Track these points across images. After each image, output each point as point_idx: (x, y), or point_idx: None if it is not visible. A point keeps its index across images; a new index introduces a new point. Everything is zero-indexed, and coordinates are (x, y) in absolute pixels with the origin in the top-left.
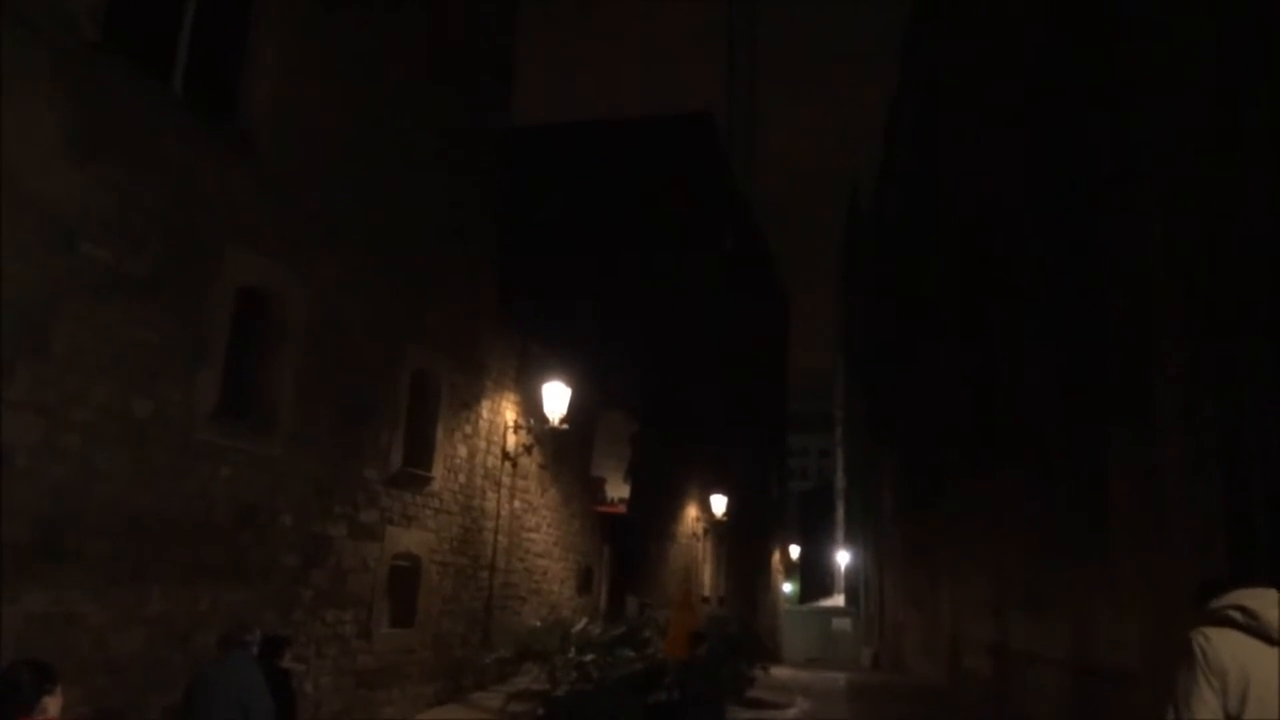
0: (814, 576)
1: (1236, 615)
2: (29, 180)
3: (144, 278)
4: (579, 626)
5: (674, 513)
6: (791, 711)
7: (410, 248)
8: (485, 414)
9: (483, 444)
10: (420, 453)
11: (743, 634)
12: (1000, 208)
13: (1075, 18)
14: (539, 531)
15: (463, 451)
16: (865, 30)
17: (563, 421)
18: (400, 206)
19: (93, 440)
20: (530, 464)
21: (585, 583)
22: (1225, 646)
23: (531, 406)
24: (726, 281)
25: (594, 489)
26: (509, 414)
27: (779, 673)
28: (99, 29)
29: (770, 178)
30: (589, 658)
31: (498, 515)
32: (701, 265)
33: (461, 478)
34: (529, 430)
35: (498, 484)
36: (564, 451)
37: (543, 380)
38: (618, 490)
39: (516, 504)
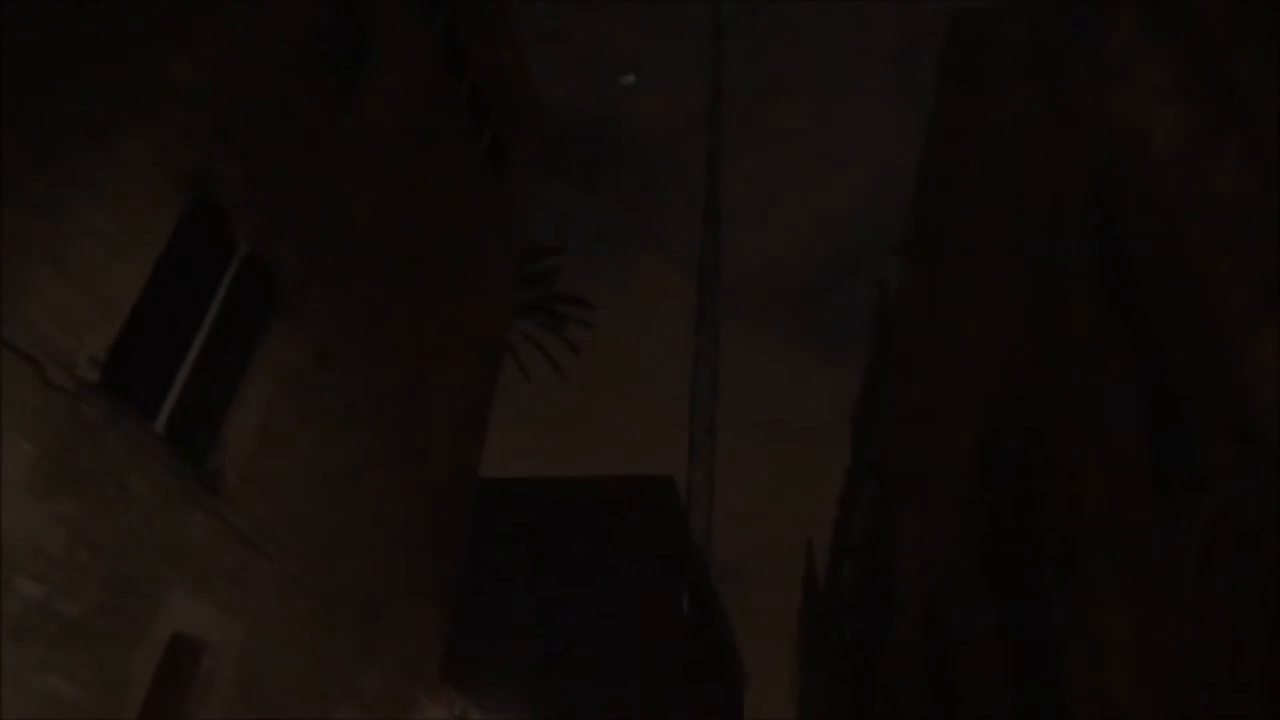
0: None
1: None
2: None
3: (73, 619)
4: None
5: None
6: None
7: (360, 604)
8: None
9: None
10: None
11: None
12: (957, 587)
13: (1022, 411)
14: None
15: None
16: (821, 401)
17: None
18: (356, 562)
19: None
20: None
21: None
22: None
23: None
24: (683, 647)
25: None
26: None
27: None
28: (99, 370)
29: (728, 543)
30: None
31: None
32: (657, 628)
33: None
34: None
35: None
36: None
37: None
38: None
39: None
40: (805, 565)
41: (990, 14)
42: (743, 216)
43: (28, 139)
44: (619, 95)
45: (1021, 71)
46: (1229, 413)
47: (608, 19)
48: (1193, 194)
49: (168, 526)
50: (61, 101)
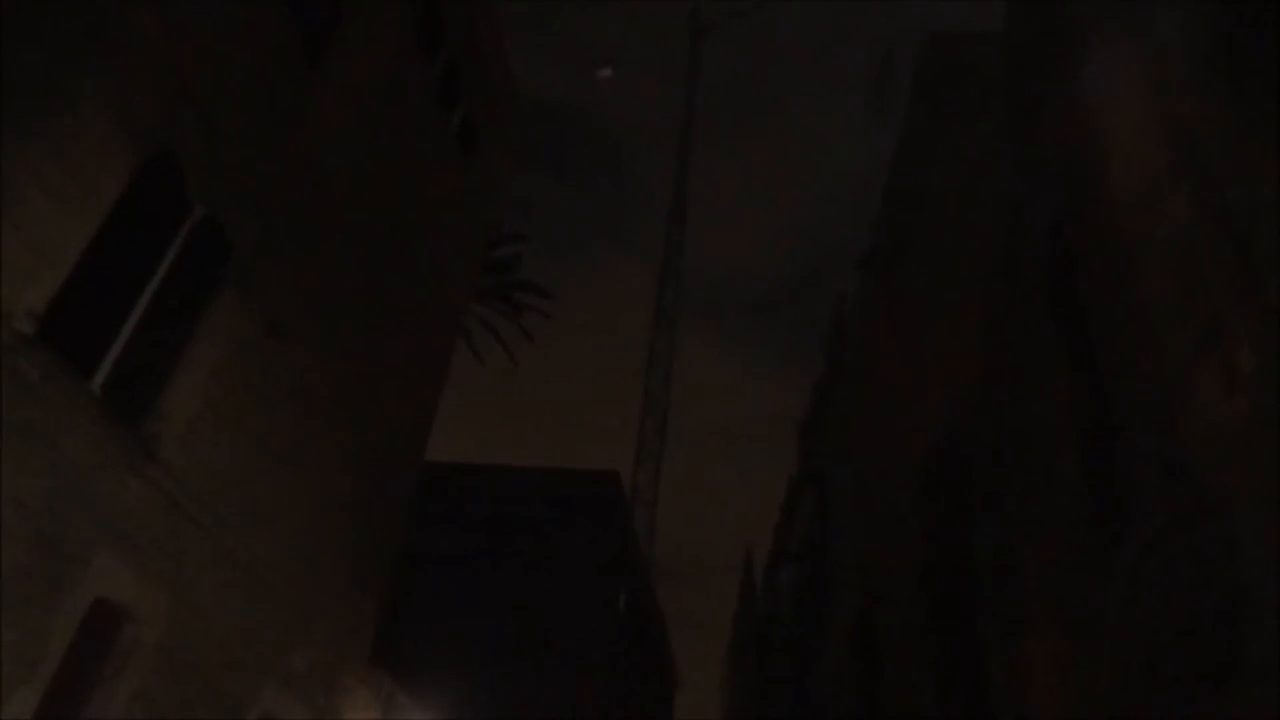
0: None
1: None
2: None
3: None
4: None
5: None
6: None
7: (293, 581)
8: None
9: None
10: None
11: None
12: (890, 600)
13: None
14: None
15: None
16: (772, 407)
17: None
18: (292, 538)
19: None
20: None
21: None
22: None
23: None
24: (617, 645)
25: None
26: None
27: None
28: (35, 323)
29: (670, 544)
30: None
31: None
32: (593, 625)
33: None
34: None
35: None
36: None
37: None
38: None
39: None
40: (744, 571)
41: (964, 38)
42: (708, 219)
43: None
44: (595, 89)
45: (992, 98)
46: (1167, 446)
47: (590, 13)
48: (1146, 232)
49: (98, 489)
50: (20, 46)
